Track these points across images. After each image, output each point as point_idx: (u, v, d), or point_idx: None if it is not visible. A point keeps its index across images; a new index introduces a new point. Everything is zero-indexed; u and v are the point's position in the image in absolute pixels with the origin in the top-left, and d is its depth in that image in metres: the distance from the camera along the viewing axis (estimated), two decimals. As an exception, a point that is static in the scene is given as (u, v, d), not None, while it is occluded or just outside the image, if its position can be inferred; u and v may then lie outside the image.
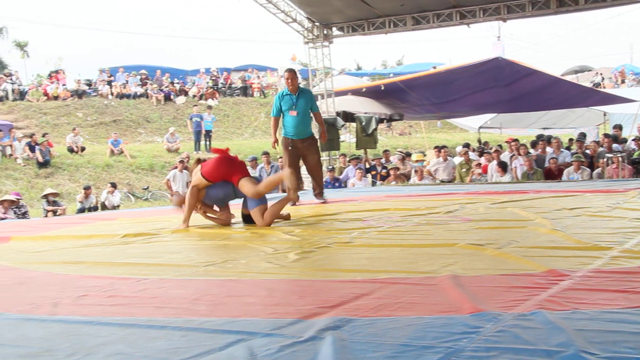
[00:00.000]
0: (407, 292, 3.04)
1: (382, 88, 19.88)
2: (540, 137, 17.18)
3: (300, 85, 8.44)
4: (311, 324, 2.53)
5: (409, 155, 17.50)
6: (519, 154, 13.98)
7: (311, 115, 8.43)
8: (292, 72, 8.22)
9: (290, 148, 8.23)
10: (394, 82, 20.58)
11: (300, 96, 8.21)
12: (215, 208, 6.64)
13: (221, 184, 6.42)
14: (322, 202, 8.40)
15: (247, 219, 6.46)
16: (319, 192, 8.57)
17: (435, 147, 15.81)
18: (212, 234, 5.89)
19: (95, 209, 14.73)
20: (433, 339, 2.26)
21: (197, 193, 6.39)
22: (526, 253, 3.86)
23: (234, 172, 6.34)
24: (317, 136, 8.76)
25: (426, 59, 42.45)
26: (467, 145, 17.22)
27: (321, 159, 9.33)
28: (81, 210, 14.48)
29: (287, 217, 6.64)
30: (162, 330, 2.60)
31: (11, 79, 27.96)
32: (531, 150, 15.06)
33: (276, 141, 8.44)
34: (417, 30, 16.32)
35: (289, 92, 8.23)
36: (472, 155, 15.86)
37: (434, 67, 31.06)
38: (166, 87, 30.11)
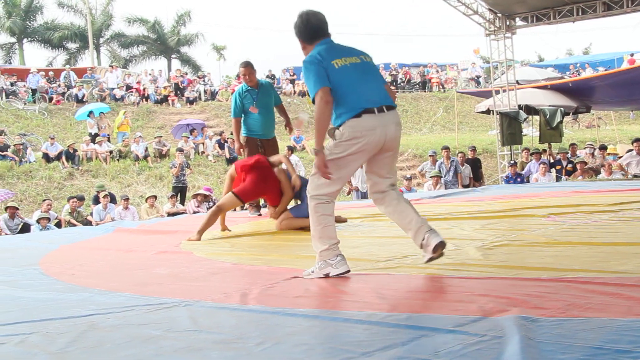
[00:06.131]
0: (598, 293, 2.89)
1: (570, 85, 18.93)
2: None
3: (260, 79, 7.56)
4: (495, 322, 2.48)
5: (603, 148, 16.43)
6: None
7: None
8: (248, 67, 7.35)
9: (260, 150, 7.29)
10: (582, 80, 19.51)
11: (262, 91, 7.42)
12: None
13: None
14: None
15: None
16: None
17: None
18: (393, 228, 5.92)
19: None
20: (629, 343, 2.13)
21: (218, 214, 6.19)
22: None
23: (267, 191, 6.28)
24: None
25: (615, 48, 39.79)
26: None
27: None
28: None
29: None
30: (346, 323, 2.65)
31: (204, 81, 29.73)
32: None
33: (242, 146, 7.53)
34: (608, 16, 15.35)
35: (249, 88, 7.40)
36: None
37: (631, 55, 29.00)
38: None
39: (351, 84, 3.66)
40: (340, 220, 6.40)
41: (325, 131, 3.63)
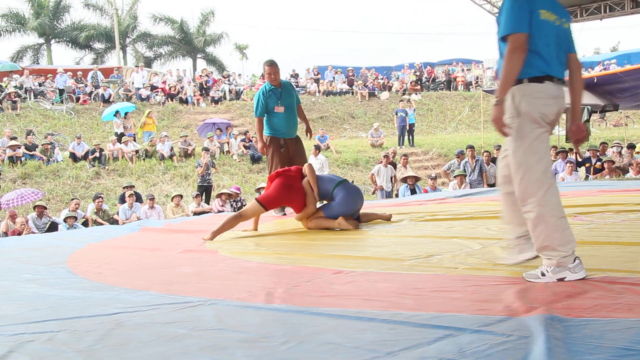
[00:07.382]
0: (626, 293, 2.85)
1: (595, 81, 18.71)
2: None
3: (281, 79, 7.60)
4: (521, 322, 2.46)
5: (631, 147, 16.22)
6: None
7: None
8: (274, 66, 7.43)
9: (282, 150, 7.42)
10: (607, 75, 19.27)
11: (285, 90, 7.46)
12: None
13: (330, 179, 6.38)
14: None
15: None
16: None
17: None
18: (418, 227, 5.90)
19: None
20: (657, 344, 2.11)
21: (238, 221, 6.11)
22: None
23: (291, 199, 6.24)
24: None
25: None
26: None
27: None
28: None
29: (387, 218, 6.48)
30: (371, 323, 2.64)
31: (228, 80, 29.85)
32: None
33: (265, 146, 7.49)
34: (637, 14, 15.15)
35: (272, 87, 7.43)
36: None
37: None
38: (371, 83, 30.60)
39: (545, 45, 3.32)
40: (384, 217, 6.48)
41: (512, 81, 3.31)
